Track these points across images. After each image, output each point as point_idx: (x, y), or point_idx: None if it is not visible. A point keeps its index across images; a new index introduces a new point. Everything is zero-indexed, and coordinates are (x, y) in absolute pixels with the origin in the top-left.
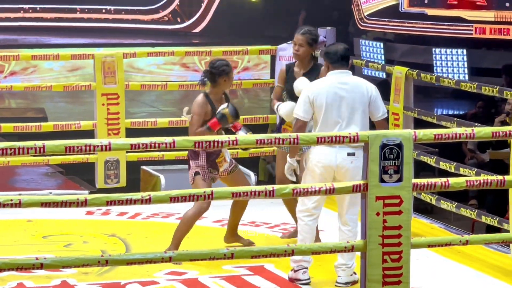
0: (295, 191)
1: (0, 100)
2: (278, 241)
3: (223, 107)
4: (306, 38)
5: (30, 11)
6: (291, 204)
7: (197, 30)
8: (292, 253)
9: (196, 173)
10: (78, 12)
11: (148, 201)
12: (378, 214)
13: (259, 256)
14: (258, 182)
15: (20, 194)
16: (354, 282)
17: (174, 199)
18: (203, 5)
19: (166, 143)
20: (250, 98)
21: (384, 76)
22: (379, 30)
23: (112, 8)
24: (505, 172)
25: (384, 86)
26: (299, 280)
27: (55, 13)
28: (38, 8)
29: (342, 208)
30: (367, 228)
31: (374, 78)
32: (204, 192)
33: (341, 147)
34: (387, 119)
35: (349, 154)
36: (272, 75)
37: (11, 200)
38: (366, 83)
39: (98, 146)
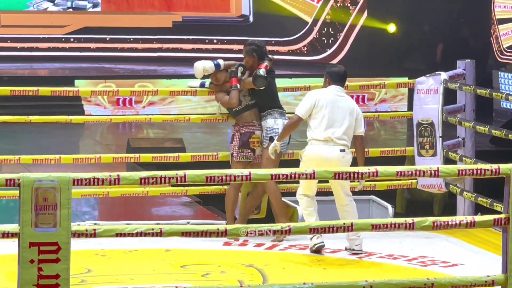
0: (435, 224)
1: (138, 129)
2: (416, 273)
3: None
4: (245, 49)
5: (169, 42)
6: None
7: (335, 61)
8: (432, 286)
9: (231, 155)
10: (214, 43)
11: (288, 232)
12: None
13: None
14: (396, 215)
15: (158, 224)
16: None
17: (314, 230)
18: (341, 37)
19: (306, 174)
20: (387, 130)
21: None
22: None
23: (249, 39)
24: None
25: None
26: (317, 244)
27: (193, 44)
28: (176, 39)
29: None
30: (509, 262)
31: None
32: (344, 224)
33: (334, 145)
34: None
35: (341, 151)
36: (410, 107)
37: (152, 229)
38: (355, 103)
39: (239, 176)
